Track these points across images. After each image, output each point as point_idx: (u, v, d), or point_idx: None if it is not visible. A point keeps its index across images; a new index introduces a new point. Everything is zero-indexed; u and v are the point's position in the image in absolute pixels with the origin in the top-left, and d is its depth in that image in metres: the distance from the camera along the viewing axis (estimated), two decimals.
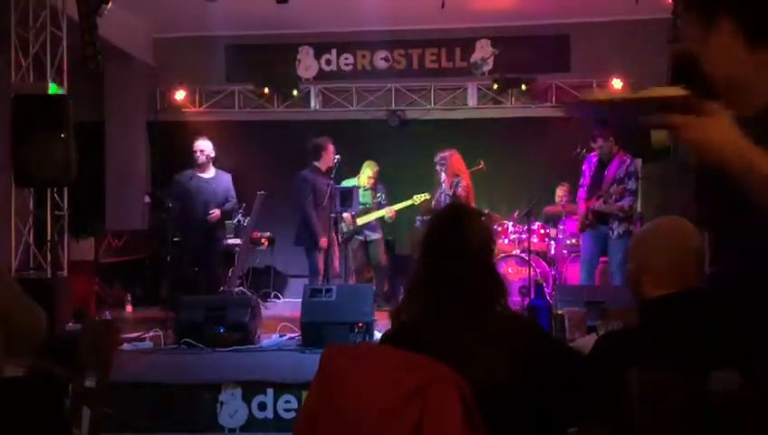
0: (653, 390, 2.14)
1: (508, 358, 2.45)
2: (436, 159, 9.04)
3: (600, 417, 2.42)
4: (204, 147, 8.90)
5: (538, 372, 2.45)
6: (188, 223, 8.83)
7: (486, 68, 11.47)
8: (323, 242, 8.72)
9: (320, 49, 11.85)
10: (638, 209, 8.66)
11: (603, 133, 8.29)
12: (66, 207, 8.57)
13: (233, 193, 9.14)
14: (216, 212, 8.84)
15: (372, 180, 9.66)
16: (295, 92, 11.57)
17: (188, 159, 9.00)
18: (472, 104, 11.72)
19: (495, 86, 11.29)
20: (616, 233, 8.07)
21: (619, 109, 1.80)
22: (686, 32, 1.95)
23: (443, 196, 8.89)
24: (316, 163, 8.97)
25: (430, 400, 2.11)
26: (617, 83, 11.04)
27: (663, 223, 2.60)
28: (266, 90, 11.48)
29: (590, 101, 1.80)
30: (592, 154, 8.48)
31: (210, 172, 8.98)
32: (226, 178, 9.11)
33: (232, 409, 5.75)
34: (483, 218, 2.89)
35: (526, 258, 8.97)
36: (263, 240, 10.55)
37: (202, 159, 8.85)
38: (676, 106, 1.68)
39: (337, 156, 8.72)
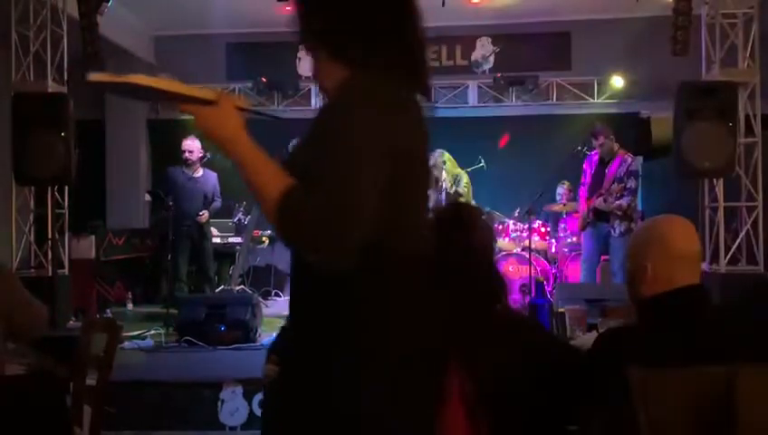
0: (653, 387, 2.14)
1: (509, 356, 2.46)
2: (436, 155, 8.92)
3: (600, 414, 2.41)
4: (192, 147, 8.93)
5: (538, 369, 2.47)
6: (180, 221, 8.83)
7: (487, 66, 11.46)
8: None
9: None
10: (639, 208, 8.64)
11: (604, 131, 8.28)
12: (67, 205, 8.57)
13: (218, 192, 9.17)
14: (205, 214, 8.91)
15: None
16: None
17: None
18: (473, 102, 11.72)
19: (498, 75, 11.28)
20: (618, 231, 8.07)
21: (139, 92, 1.86)
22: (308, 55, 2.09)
23: (443, 195, 8.84)
24: None
25: None
26: (618, 81, 11.11)
27: (660, 223, 2.58)
28: (264, 78, 11.45)
29: (103, 83, 1.81)
30: (593, 153, 8.47)
31: (199, 171, 9.02)
32: (213, 177, 9.15)
33: (233, 407, 5.75)
34: (483, 217, 2.92)
35: (527, 256, 8.94)
36: (263, 238, 10.54)
37: (192, 158, 8.90)
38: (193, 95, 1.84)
39: None
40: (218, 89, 1.93)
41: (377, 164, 1.78)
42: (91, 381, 3.47)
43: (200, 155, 8.95)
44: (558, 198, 10.14)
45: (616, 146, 8.30)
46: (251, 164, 1.85)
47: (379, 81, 1.88)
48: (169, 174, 9.05)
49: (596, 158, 8.40)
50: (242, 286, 9.44)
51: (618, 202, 8.05)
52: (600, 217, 8.23)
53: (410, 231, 1.95)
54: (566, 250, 9.72)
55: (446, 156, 8.91)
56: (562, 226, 9.88)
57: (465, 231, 2.65)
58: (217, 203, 9.20)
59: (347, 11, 1.95)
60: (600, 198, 8.12)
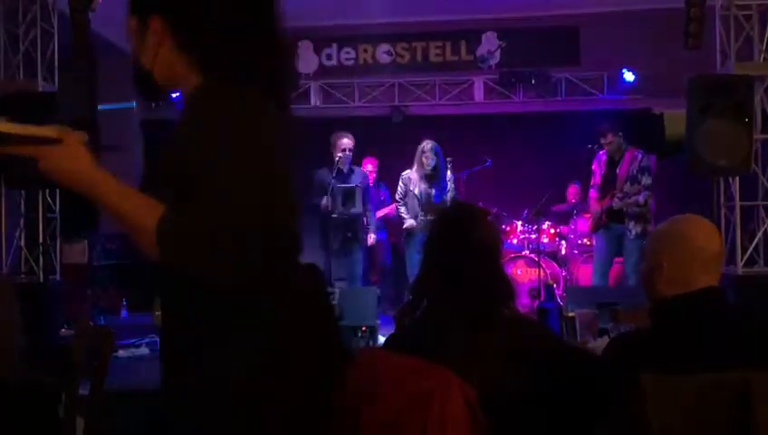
0: (667, 393, 2.13)
1: (515, 362, 2.42)
2: (436, 149, 8.59)
3: (613, 421, 2.33)
4: None
5: (546, 375, 2.42)
6: None
7: (493, 61, 11.27)
8: None
9: (320, 43, 11.61)
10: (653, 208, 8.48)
11: (613, 128, 8.17)
12: (59, 208, 8.41)
13: None
14: None
15: (372, 174, 9.44)
16: None
17: None
18: (478, 99, 11.53)
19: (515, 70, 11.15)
20: (633, 233, 7.93)
21: None
22: (130, 32, 2.01)
23: (447, 194, 8.57)
24: None
25: (435, 406, 2.09)
26: (629, 76, 10.91)
27: (680, 221, 2.54)
28: None
29: None
30: (601, 152, 8.36)
31: None
32: None
33: None
34: (489, 218, 2.86)
35: (536, 259, 8.79)
36: None
37: None
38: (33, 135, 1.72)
39: (339, 154, 8.42)
40: (57, 126, 1.77)
41: (262, 172, 1.75)
42: (83, 391, 3.32)
43: None
44: (568, 197, 10.02)
45: (624, 143, 8.16)
46: (116, 199, 1.80)
47: (238, 87, 1.84)
48: None
49: (604, 158, 8.29)
50: None
51: (634, 197, 7.89)
52: (614, 217, 8.08)
53: (289, 237, 1.91)
54: (576, 252, 9.59)
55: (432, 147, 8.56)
56: (572, 227, 9.74)
57: (467, 231, 2.61)
58: None
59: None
60: (615, 199, 7.96)
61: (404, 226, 8.60)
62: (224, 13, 1.89)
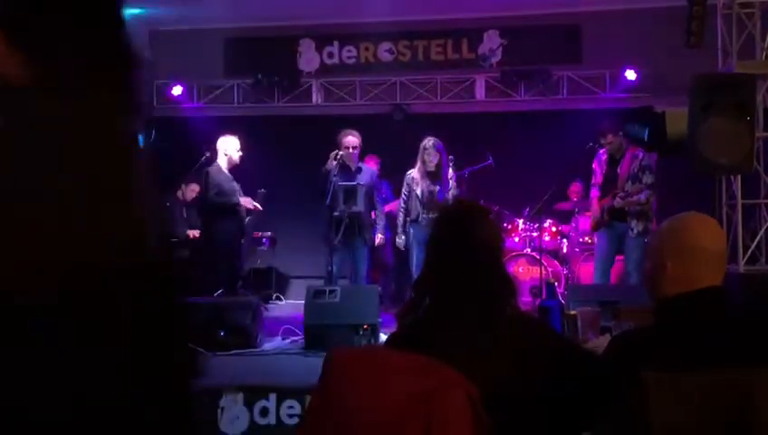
0: (668, 391, 2.12)
1: (517, 360, 2.40)
2: (437, 146, 8.54)
3: (614, 419, 2.32)
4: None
5: (548, 374, 2.41)
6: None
7: (494, 60, 11.29)
8: None
9: (321, 41, 11.64)
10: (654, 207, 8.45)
11: (613, 128, 8.11)
12: None
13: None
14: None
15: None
16: None
17: (186, 157, 8.78)
18: (480, 97, 11.54)
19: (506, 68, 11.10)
20: (635, 231, 7.85)
21: None
22: None
23: (450, 192, 8.52)
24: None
25: (437, 405, 2.06)
26: (630, 75, 10.89)
27: (684, 219, 2.52)
28: (259, 76, 11.29)
29: None
30: (601, 151, 8.28)
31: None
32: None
33: (233, 415, 5.53)
34: (491, 216, 2.84)
35: (537, 257, 8.75)
36: (263, 240, 10.38)
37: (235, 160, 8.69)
38: None
39: (341, 152, 8.39)
40: None
41: (68, 184, 1.66)
42: None
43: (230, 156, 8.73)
44: (570, 196, 9.98)
45: (626, 142, 8.10)
46: None
47: (70, 87, 1.74)
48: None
49: (605, 157, 8.21)
50: (241, 290, 9.23)
51: (636, 196, 7.84)
52: (615, 216, 8.00)
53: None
54: (578, 250, 9.56)
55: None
56: (574, 225, 9.70)
57: (469, 229, 2.59)
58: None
59: None
60: (617, 198, 7.91)
61: (397, 242, 8.64)
62: (56, 6, 1.82)
